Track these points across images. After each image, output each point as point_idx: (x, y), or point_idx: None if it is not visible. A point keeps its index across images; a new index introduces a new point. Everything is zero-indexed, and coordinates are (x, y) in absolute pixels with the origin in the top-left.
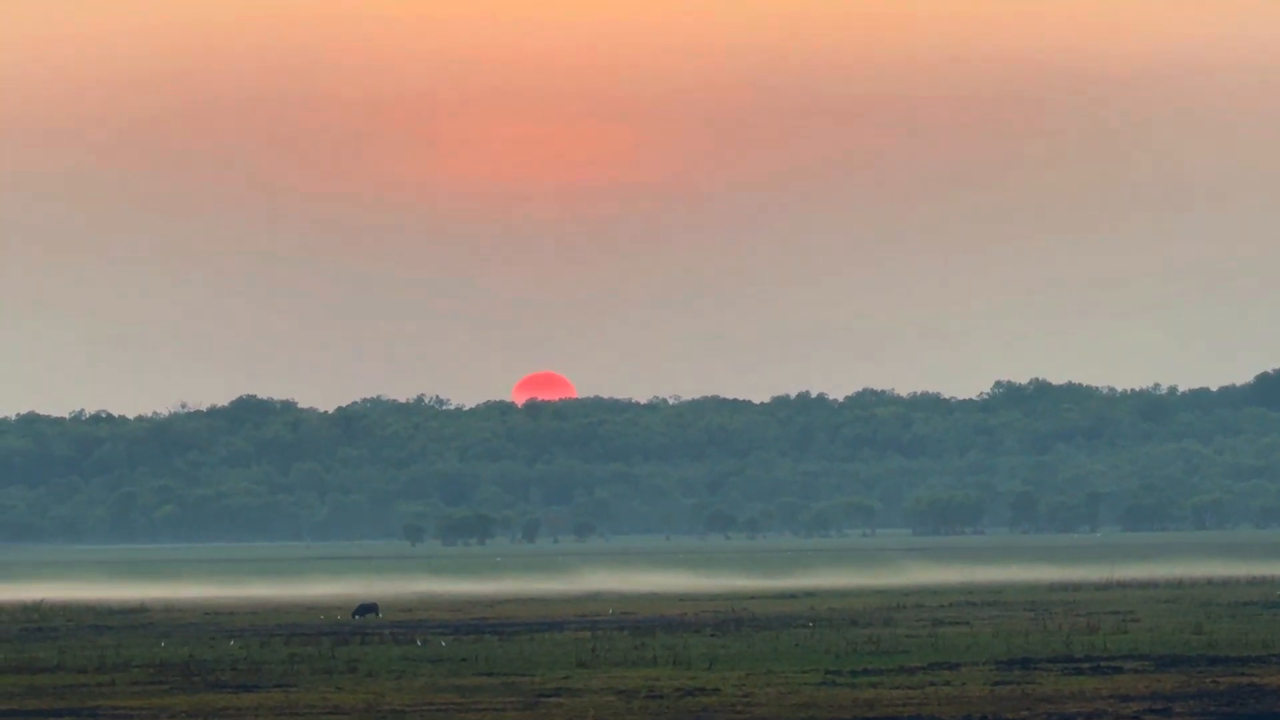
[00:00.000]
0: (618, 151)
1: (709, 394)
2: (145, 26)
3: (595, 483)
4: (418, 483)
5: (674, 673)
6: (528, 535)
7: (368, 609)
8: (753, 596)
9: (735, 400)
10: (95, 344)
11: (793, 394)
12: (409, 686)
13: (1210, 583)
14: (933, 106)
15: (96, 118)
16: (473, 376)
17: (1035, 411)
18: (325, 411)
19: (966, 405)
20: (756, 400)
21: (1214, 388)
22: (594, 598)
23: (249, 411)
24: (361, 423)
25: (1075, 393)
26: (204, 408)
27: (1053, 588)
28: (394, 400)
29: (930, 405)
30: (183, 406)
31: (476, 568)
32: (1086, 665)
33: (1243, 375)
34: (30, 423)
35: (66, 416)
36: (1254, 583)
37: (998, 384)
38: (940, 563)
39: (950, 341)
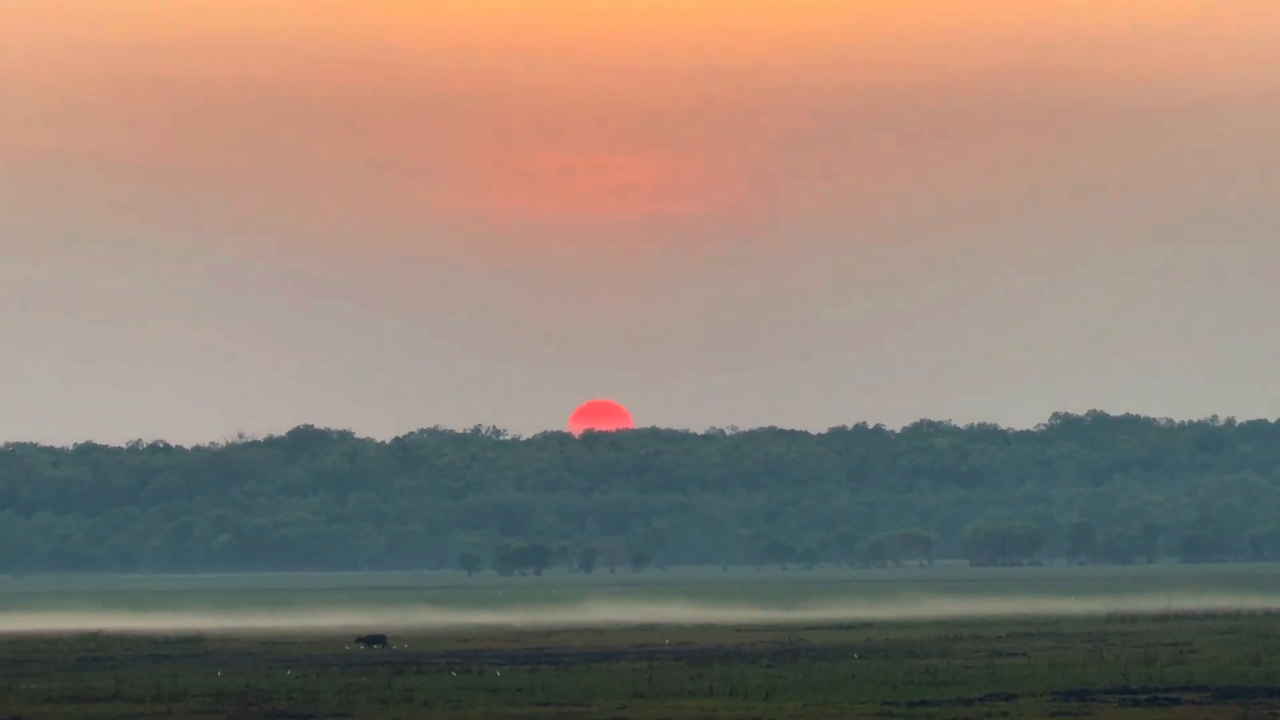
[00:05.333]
0: (675, 183)
1: (766, 425)
2: (200, 67)
3: (652, 513)
4: (474, 513)
5: (730, 703)
6: (584, 565)
7: (375, 640)
8: (809, 627)
9: (792, 431)
10: (152, 374)
11: (850, 425)
12: (465, 716)
13: (1269, 614)
14: (989, 135)
15: (147, 145)
16: (530, 407)
17: (1093, 443)
18: (382, 442)
19: (1024, 436)
20: (813, 431)
21: (1272, 419)
22: (651, 628)
23: (306, 441)
24: (418, 453)
25: (1133, 424)
26: (261, 438)
27: (1110, 619)
28: (451, 430)
29: (987, 436)
30: (240, 436)
31: (531, 598)
32: (1144, 697)
33: None
34: (88, 452)
35: (124, 446)
36: None
37: (1055, 415)
38: (997, 594)
39: (1007, 373)
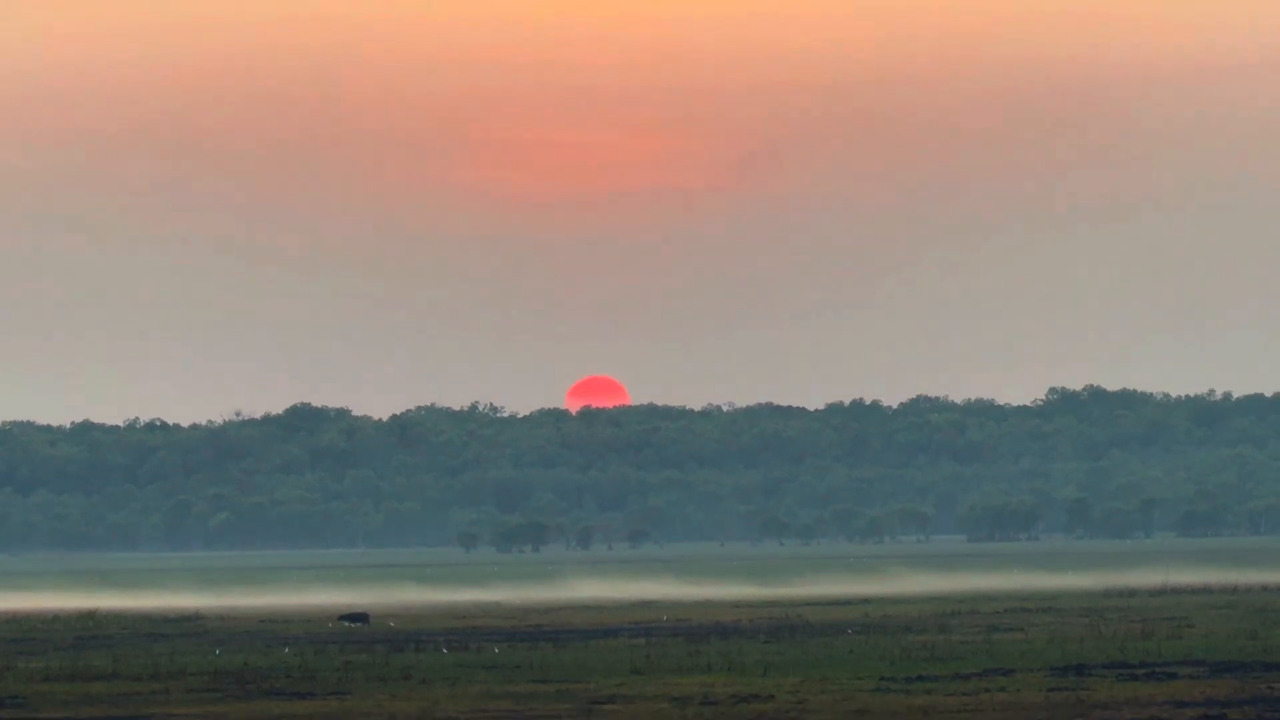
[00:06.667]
0: (672, 158)
1: (763, 401)
2: (188, 35)
3: (649, 489)
4: (472, 490)
5: (728, 679)
6: (582, 542)
7: (357, 618)
8: (807, 603)
9: (789, 407)
10: (149, 352)
11: (847, 401)
12: (463, 694)
13: (1265, 589)
14: (981, 112)
15: (146, 128)
16: (527, 384)
17: (1090, 418)
18: (379, 419)
19: (1021, 411)
20: (810, 407)
21: (1269, 393)
22: (648, 605)
23: (303, 419)
24: (416, 430)
25: (1130, 399)
26: (258, 415)
27: (1107, 594)
28: (448, 408)
29: (984, 411)
30: (237, 414)
31: (529, 575)
32: (1141, 671)
33: None
34: (85, 431)
35: (121, 425)
36: None
37: (1052, 390)
38: (995, 569)
39: (1004, 348)
